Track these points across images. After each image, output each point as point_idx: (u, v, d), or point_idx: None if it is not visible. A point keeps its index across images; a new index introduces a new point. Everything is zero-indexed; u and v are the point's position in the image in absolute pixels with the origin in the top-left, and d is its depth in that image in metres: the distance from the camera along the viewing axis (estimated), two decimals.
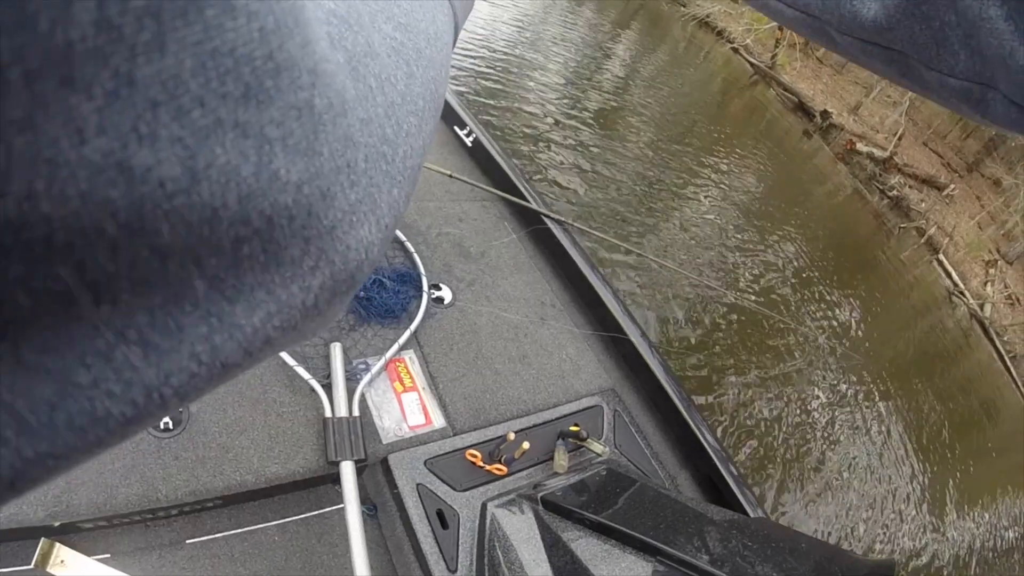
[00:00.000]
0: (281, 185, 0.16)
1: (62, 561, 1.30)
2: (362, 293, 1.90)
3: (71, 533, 1.33)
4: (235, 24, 0.14)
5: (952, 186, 14.79)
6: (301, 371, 1.64)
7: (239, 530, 1.49)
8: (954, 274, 11.70)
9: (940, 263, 11.96)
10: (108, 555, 1.35)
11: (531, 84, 7.28)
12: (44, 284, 0.13)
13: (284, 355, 1.66)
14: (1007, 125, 0.37)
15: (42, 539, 1.29)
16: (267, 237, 0.17)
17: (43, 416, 0.14)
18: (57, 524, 1.27)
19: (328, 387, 1.65)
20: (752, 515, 1.89)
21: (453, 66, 6.40)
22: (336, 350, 1.71)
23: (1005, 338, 10.69)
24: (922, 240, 12.47)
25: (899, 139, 15.21)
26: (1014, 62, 0.32)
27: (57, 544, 1.31)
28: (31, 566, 1.26)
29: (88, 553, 1.33)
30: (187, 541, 1.43)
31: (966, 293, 11.31)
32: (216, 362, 0.17)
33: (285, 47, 0.16)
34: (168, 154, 0.13)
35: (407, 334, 1.87)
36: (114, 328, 0.14)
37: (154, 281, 0.15)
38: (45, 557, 1.28)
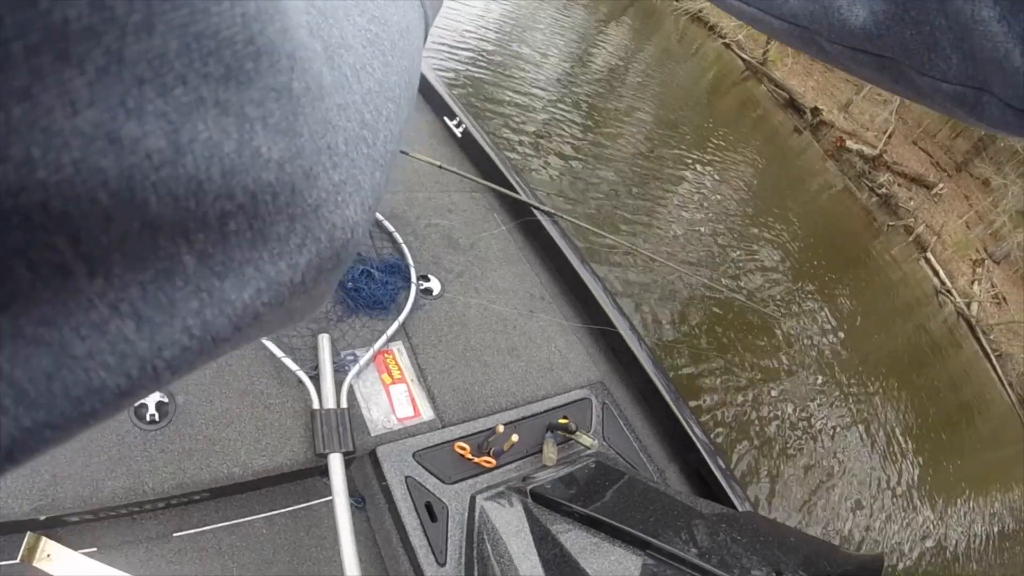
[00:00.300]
0: (263, 162, 0.17)
1: (48, 555, 1.29)
2: (350, 284, 1.89)
3: (57, 527, 1.32)
4: (219, 9, 0.14)
5: (941, 185, 14.88)
6: (288, 362, 1.63)
7: (226, 523, 1.48)
8: (942, 272, 11.78)
9: (928, 261, 12.04)
10: (95, 549, 1.34)
11: (521, 75, 7.25)
12: (42, 255, 0.13)
13: (271, 346, 1.65)
14: (1003, 128, 0.36)
15: (28, 533, 1.27)
16: (252, 213, 0.17)
17: (41, 386, 0.14)
18: (43, 518, 1.26)
19: (316, 378, 1.64)
20: (740, 509, 1.90)
21: (443, 55, 6.38)
22: (324, 341, 1.70)
23: (991, 336, 10.78)
24: (910, 238, 12.54)
25: (889, 137, 15.27)
26: (1009, 64, 0.32)
27: (43, 538, 1.29)
28: (17, 560, 1.25)
29: (74, 547, 1.32)
30: (174, 534, 1.42)
31: (953, 292, 11.39)
32: (207, 336, 0.18)
33: (265, 32, 0.16)
34: (153, 127, 0.14)
35: (395, 325, 1.86)
36: (108, 301, 0.15)
37: (145, 255, 0.15)
38: (31, 551, 1.27)
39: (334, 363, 1.67)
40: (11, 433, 0.14)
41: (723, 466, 2.01)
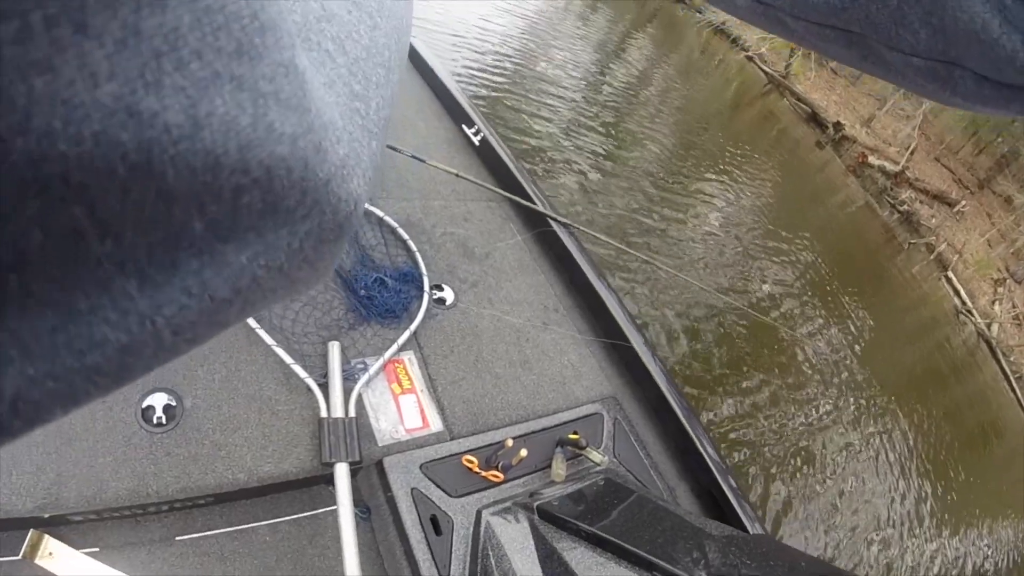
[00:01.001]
0: (277, 136, 0.17)
1: (50, 553, 1.29)
2: (363, 292, 1.88)
3: (60, 525, 1.32)
4: None
5: (963, 202, 14.74)
6: (298, 369, 1.62)
7: (230, 528, 1.48)
8: (962, 292, 11.64)
9: (949, 280, 11.90)
10: (97, 548, 1.34)
11: (541, 86, 7.26)
12: (58, 222, 0.14)
13: (280, 352, 1.64)
14: (978, 101, 0.34)
15: (31, 530, 1.28)
16: (266, 187, 0.17)
17: (45, 339, 0.15)
18: (46, 516, 1.26)
19: (324, 386, 1.63)
20: (751, 531, 1.87)
21: (463, 63, 6.39)
22: (334, 349, 1.69)
23: (1011, 358, 10.62)
24: (931, 256, 12.41)
25: (911, 153, 15.15)
26: (987, 35, 0.30)
27: (46, 536, 1.30)
28: (19, 557, 1.25)
29: (76, 546, 1.32)
30: (177, 538, 1.41)
31: (974, 311, 11.25)
32: (205, 295, 0.18)
33: (266, 8, 0.16)
34: (172, 101, 0.14)
35: (407, 334, 1.85)
36: (114, 261, 0.15)
37: (157, 222, 0.15)
38: (33, 548, 1.27)
39: (343, 371, 1.66)
40: (15, 383, 0.14)
41: (735, 486, 1.98)
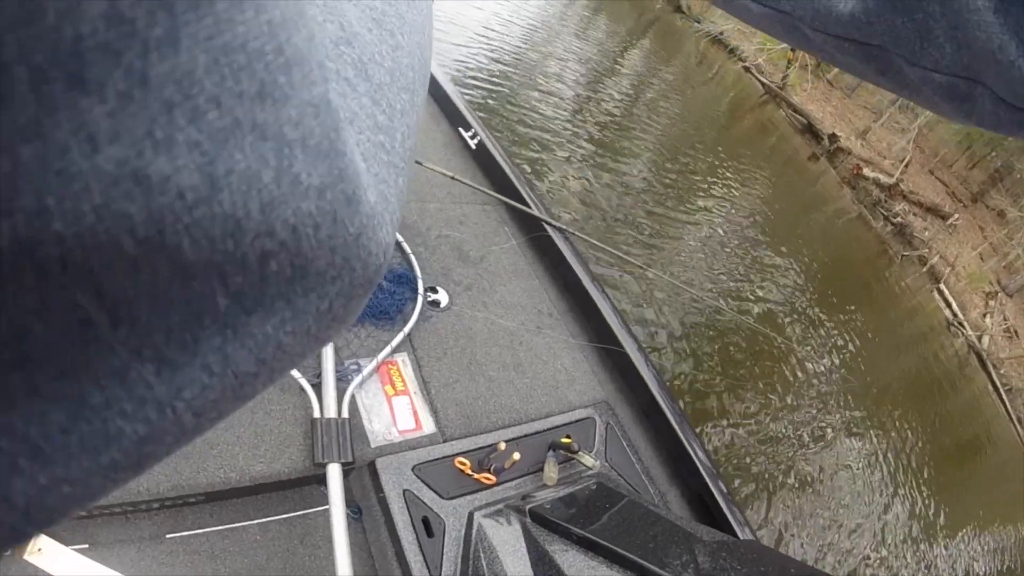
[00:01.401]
0: (304, 190, 0.15)
1: (39, 549, 1.28)
2: None
3: None
4: (244, 17, 0.13)
5: (956, 216, 14.82)
6: None
7: (220, 527, 1.47)
8: (954, 304, 11.69)
9: (940, 292, 11.96)
10: (87, 545, 1.33)
11: (538, 93, 7.28)
12: (61, 312, 0.12)
13: None
14: (993, 124, 0.34)
15: None
16: (294, 250, 0.16)
17: (56, 441, 0.13)
18: None
19: (317, 387, 1.63)
20: (741, 537, 1.87)
21: (460, 71, 6.40)
22: (327, 349, 1.69)
23: (1001, 371, 10.68)
24: (924, 269, 12.47)
25: (906, 166, 15.23)
26: (1004, 57, 0.30)
27: None
28: (8, 553, 1.24)
29: (66, 543, 1.31)
30: (167, 536, 1.41)
31: (965, 324, 11.30)
32: (227, 371, 0.16)
33: (293, 41, 0.15)
34: (186, 160, 0.12)
35: (401, 336, 1.85)
36: (129, 347, 0.14)
37: (176, 300, 0.14)
38: (23, 544, 1.26)
39: (337, 372, 1.66)
40: (27, 493, 0.13)
41: (725, 491, 1.98)
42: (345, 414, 1.60)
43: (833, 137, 14.77)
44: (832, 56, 0.42)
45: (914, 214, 14.16)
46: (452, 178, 2.44)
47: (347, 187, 0.17)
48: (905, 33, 0.35)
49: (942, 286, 12.09)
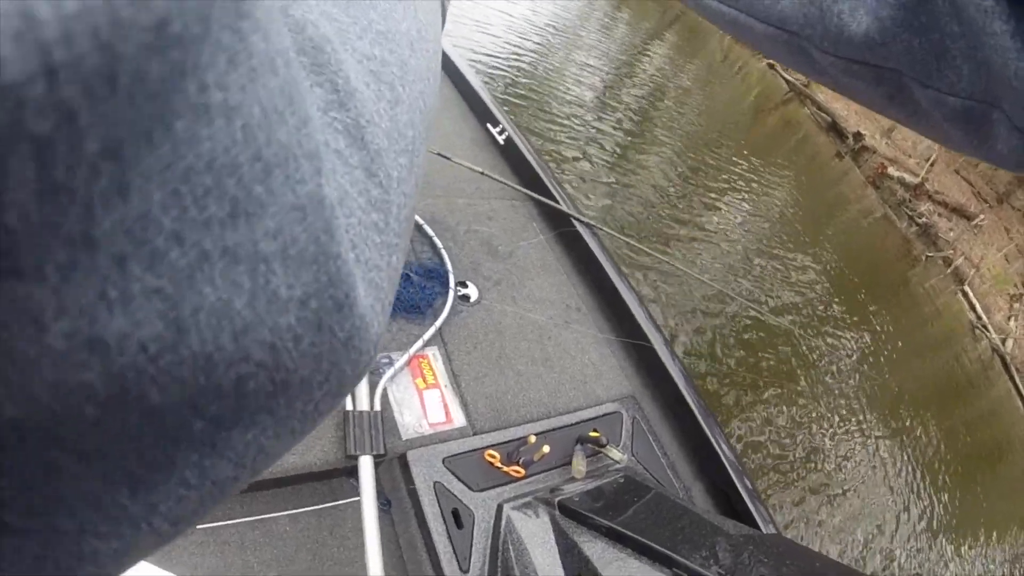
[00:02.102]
0: (282, 305, 0.14)
1: None
2: None
3: None
4: (211, 130, 0.11)
5: (981, 216, 14.61)
6: None
7: (250, 518, 1.48)
8: (978, 306, 11.53)
9: (965, 294, 11.80)
10: None
11: (562, 91, 7.26)
12: (24, 471, 0.11)
13: None
14: (1007, 154, 0.33)
15: None
16: (273, 366, 0.14)
17: (30, 569, 0.13)
18: None
19: None
20: (765, 531, 1.88)
21: (484, 65, 6.40)
22: None
23: None
24: (949, 270, 12.31)
25: (931, 165, 15.03)
26: (1020, 84, 0.29)
27: None
28: None
29: None
30: (198, 526, 1.43)
31: (989, 327, 11.15)
32: (205, 482, 0.15)
33: (275, 138, 0.13)
34: (146, 312, 0.11)
35: (432, 330, 1.87)
36: (102, 478, 0.13)
37: (147, 438, 0.13)
38: None
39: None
40: None
41: (750, 487, 1.99)
42: (377, 407, 1.62)
43: (858, 136, 14.60)
44: (836, 80, 0.40)
45: (939, 214, 13.99)
46: (481, 173, 2.46)
47: (337, 291, 0.16)
48: (921, 54, 0.33)
49: (966, 288, 11.93)
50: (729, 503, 2.00)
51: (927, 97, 0.34)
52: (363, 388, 1.62)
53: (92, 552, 0.14)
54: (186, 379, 0.12)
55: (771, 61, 16.05)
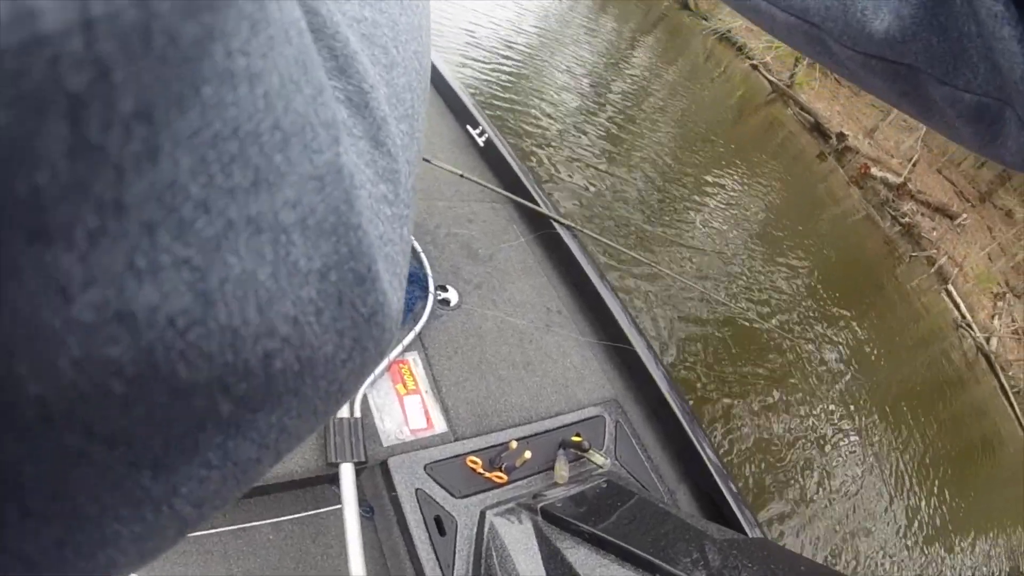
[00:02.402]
0: (302, 277, 0.14)
1: None
2: None
3: None
4: (236, 96, 0.11)
5: (964, 215, 14.74)
6: None
7: (232, 527, 1.47)
8: (962, 305, 11.62)
9: (949, 293, 11.89)
10: None
11: (544, 90, 7.28)
12: (50, 454, 0.11)
13: None
14: (1015, 151, 0.34)
15: None
16: (298, 342, 0.14)
17: (52, 553, 0.13)
18: None
19: None
20: (750, 535, 1.87)
21: (465, 64, 6.39)
22: None
23: (1010, 373, 10.61)
24: (932, 269, 12.41)
25: (913, 165, 15.16)
26: None
27: None
28: None
29: None
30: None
31: (973, 325, 11.24)
32: (227, 463, 0.15)
33: (292, 107, 0.13)
34: (175, 283, 0.11)
35: (411, 335, 1.85)
36: (126, 462, 0.13)
37: (174, 420, 0.13)
38: None
39: None
40: None
41: (734, 490, 1.99)
42: (357, 413, 1.60)
43: (841, 136, 14.71)
44: (854, 74, 0.41)
45: (922, 214, 14.10)
46: (461, 176, 2.45)
47: (358, 264, 0.15)
48: (940, 52, 0.34)
49: (950, 287, 12.02)
50: (714, 506, 2.00)
51: (942, 94, 0.35)
52: None
53: (114, 536, 0.13)
54: (214, 355, 0.12)
55: (754, 62, 16.18)
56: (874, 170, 14.06)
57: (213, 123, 0.11)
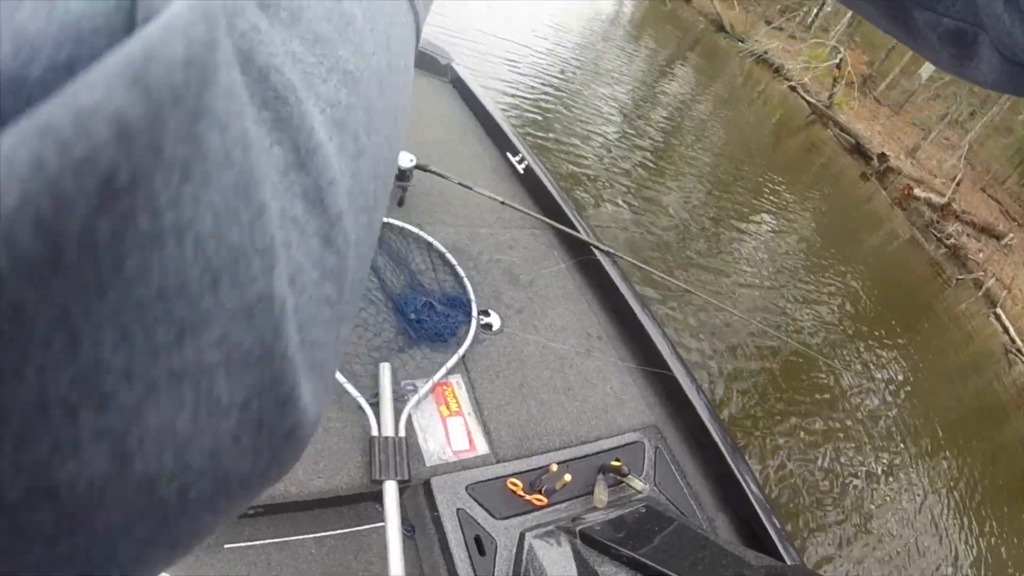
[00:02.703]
0: (223, 412, 0.14)
1: None
2: (412, 315, 1.94)
3: None
4: (161, 256, 0.11)
5: (1011, 235, 14.35)
6: (350, 388, 1.67)
7: (277, 540, 1.51)
8: (1011, 329, 11.28)
9: (998, 317, 11.57)
10: None
11: (582, 116, 7.32)
12: None
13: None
14: (987, 71, 0.37)
15: None
16: (213, 472, 0.14)
17: None
18: None
19: (375, 406, 1.67)
20: (789, 563, 1.86)
21: (507, 91, 6.47)
22: (385, 370, 1.74)
23: None
24: (980, 292, 12.09)
25: (957, 184, 14.84)
26: (991, 11, 0.33)
27: None
28: None
29: None
30: (225, 545, 1.45)
31: (1023, 350, 10.91)
32: (142, 566, 0.15)
33: (226, 243, 0.12)
34: (93, 453, 0.11)
35: (455, 358, 1.90)
36: None
37: (92, 554, 0.12)
38: None
39: (394, 392, 1.71)
40: None
41: (774, 520, 1.97)
42: (402, 433, 1.64)
43: (883, 157, 14.48)
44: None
45: (967, 235, 13.77)
46: (502, 203, 2.50)
47: (280, 389, 0.15)
48: None
49: (999, 310, 11.70)
50: (753, 534, 1.99)
51: (925, 19, 0.38)
52: (388, 414, 1.65)
53: None
54: (130, 500, 0.12)
55: (792, 84, 16.04)
56: (917, 191, 13.80)
57: (136, 292, 0.10)
